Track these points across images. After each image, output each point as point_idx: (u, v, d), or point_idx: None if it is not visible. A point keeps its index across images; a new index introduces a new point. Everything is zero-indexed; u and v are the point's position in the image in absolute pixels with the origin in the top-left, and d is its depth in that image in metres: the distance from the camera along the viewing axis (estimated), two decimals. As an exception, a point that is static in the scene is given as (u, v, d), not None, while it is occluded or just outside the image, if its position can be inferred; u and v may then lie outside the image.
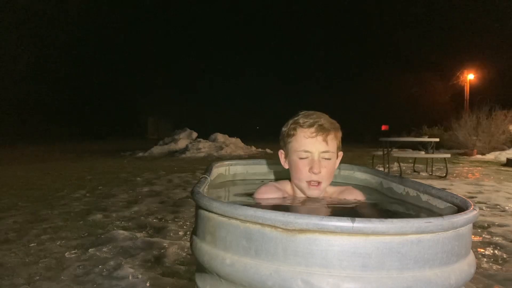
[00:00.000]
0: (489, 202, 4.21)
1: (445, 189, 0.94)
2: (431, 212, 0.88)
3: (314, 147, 1.01)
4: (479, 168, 8.29)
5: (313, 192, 1.04)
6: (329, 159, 1.03)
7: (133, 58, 50.17)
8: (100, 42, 40.09)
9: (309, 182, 1.03)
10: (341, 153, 1.11)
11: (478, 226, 3.11)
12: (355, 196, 1.05)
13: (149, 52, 54.16)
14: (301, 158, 1.03)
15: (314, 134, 1.01)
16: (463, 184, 5.70)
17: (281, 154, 1.11)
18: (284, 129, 1.08)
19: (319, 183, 1.03)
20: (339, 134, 1.08)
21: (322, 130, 1.02)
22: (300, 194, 1.07)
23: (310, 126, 1.02)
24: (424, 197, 0.93)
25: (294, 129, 1.04)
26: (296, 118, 1.06)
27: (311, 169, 1.01)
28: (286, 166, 1.10)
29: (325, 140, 1.02)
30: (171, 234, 2.86)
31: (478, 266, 2.23)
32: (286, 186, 1.11)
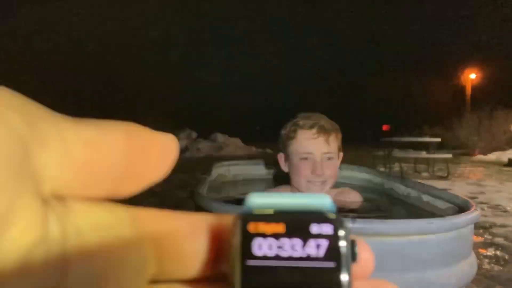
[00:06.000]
0: (490, 203, 4.19)
1: (447, 189, 0.93)
2: (433, 213, 0.88)
3: (316, 149, 1.00)
4: (481, 168, 8.27)
5: (314, 189, 1.02)
6: (331, 158, 1.03)
7: (131, 56, 50.28)
8: (97, 40, 40.18)
9: (310, 182, 1.02)
10: (341, 154, 1.10)
11: (480, 227, 3.10)
12: (353, 197, 1.05)
13: (148, 51, 54.29)
14: (302, 159, 1.01)
15: (315, 136, 1.00)
16: (465, 184, 5.68)
17: (281, 157, 1.09)
18: (283, 132, 1.06)
19: (323, 182, 1.01)
20: (340, 135, 1.07)
21: (324, 131, 1.00)
22: None
23: (311, 127, 1.01)
24: (426, 198, 0.93)
25: (294, 131, 1.02)
26: (295, 120, 1.04)
27: (313, 171, 0.99)
28: (286, 170, 1.08)
29: (327, 141, 1.01)
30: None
31: (480, 267, 2.23)
32: (285, 190, 1.09)
